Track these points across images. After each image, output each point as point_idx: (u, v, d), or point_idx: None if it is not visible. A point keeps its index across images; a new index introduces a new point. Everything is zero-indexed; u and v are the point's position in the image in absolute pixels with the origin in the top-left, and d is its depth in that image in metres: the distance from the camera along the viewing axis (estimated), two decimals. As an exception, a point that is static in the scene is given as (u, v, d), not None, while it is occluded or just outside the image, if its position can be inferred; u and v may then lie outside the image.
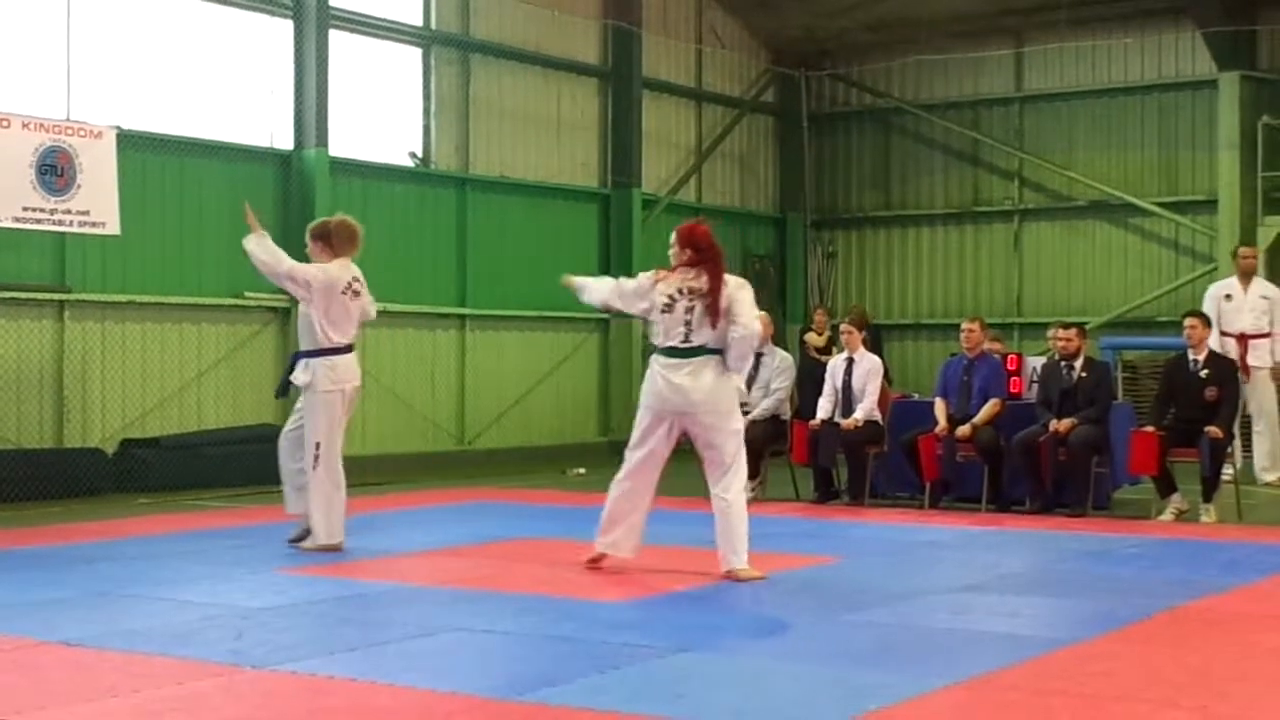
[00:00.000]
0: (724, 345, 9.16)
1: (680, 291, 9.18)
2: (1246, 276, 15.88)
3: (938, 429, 13.52)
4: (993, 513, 13.15)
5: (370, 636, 7.37)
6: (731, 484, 9.19)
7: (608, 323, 21.54)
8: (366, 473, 15.61)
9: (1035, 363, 14.32)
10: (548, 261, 20.71)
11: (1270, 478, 15.35)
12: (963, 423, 13.46)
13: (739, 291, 9.20)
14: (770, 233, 25.07)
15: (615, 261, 21.28)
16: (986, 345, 14.31)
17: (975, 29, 23.42)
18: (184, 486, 15.26)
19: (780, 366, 14.43)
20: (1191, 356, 13.09)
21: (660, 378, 9.24)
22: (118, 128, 15.18)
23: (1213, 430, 12.49)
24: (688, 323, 9.15)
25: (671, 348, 9.21)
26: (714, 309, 9.09)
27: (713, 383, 9.15)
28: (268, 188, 17.31)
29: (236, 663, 6.69)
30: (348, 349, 10.66)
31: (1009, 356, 14.57)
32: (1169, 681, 6.36)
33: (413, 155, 19.46)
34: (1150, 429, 12.75)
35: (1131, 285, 22.58)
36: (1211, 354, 13.17)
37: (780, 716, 5.73)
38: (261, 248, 10.54)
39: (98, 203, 14.61)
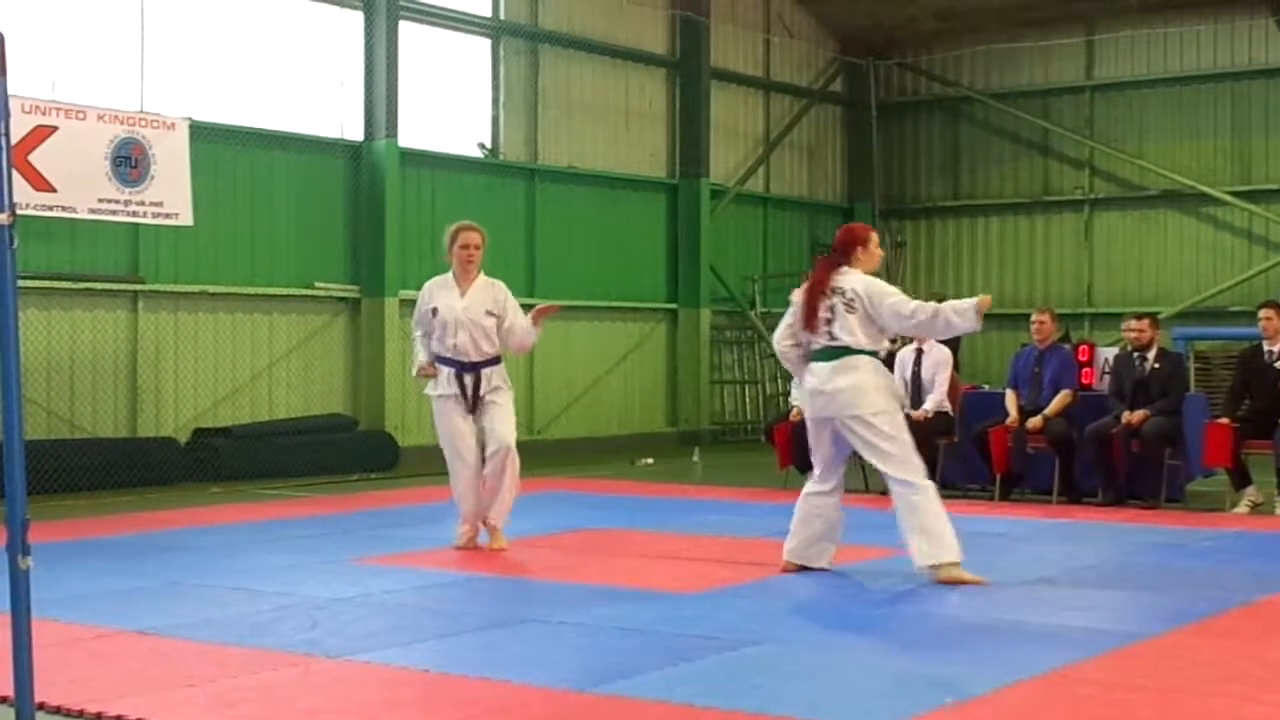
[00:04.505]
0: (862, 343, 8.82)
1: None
2: None
3: (1009, 420, 13.44)
4: (1064, 505, 13.07)
5: (444, 627, 7.40)
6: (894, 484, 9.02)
7: (676, 313, 21.55)
8: (437, 462, 15.66)
9: (1107, 353, 14.20)
10: (616, 252, 20.80)
11: None
12: (1034, 414, 13.37)
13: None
14: (838, 223, 24.79)
15: (683, 252, 21.30)
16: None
17: (1045, 17, 23.25)
18: (256, 475, 15.41)
19: None
20: (1266, 347, 12.94)
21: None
22: (190, 119, 15.32)
23: (1288, 422, 12.37)
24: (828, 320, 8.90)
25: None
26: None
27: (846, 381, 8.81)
28: (338, 179, 17.44)
29: (311, 652, 6.73)
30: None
31: (1080, 347, 14.45)
32: (1247, 676, 6.29)
33: (482, 146, 19.52)
34: (1224, 420, 12.63)
35: (1204, 275, 22.37)
36: (1287, 344, 13.02)
37: (855, 709, 5.71)
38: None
39: (171, 194, 14.76)
